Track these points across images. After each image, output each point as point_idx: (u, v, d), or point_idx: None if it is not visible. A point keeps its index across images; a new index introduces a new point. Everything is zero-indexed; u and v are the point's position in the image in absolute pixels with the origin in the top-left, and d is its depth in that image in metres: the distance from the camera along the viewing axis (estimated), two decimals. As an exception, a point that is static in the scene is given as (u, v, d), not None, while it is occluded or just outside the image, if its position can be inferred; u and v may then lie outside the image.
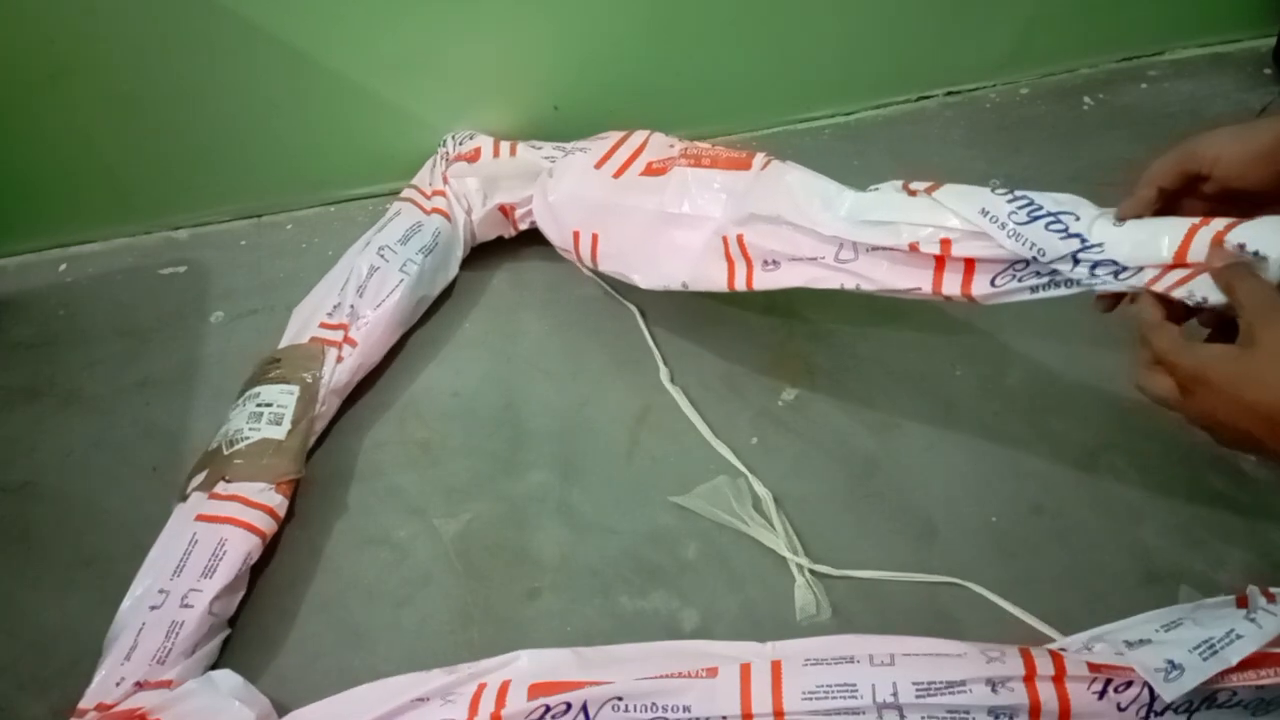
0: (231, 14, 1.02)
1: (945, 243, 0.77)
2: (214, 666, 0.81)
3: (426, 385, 1.02)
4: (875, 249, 0.81)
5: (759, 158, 0.92)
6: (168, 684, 0.77)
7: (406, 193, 1.11)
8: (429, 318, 1.06)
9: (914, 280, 0.80)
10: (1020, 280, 0.76)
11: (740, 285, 0.89)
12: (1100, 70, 1.23)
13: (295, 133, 1.13)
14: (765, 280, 0.88)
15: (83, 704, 0.76)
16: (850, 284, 0.83)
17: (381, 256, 1.02)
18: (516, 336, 1.05)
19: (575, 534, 0.89)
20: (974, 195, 0.77)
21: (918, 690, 0.67)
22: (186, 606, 0.80)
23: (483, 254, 1.12)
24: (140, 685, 0.77)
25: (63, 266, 1.18)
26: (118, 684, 0.77)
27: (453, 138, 1.13)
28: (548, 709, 0.70)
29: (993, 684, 0.67)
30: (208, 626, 0.81)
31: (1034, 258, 0.73)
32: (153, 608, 0.80)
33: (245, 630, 0.85)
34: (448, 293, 1.08)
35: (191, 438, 0.98)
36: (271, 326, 1.03)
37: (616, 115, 1.17)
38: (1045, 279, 0.75)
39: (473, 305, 1.08)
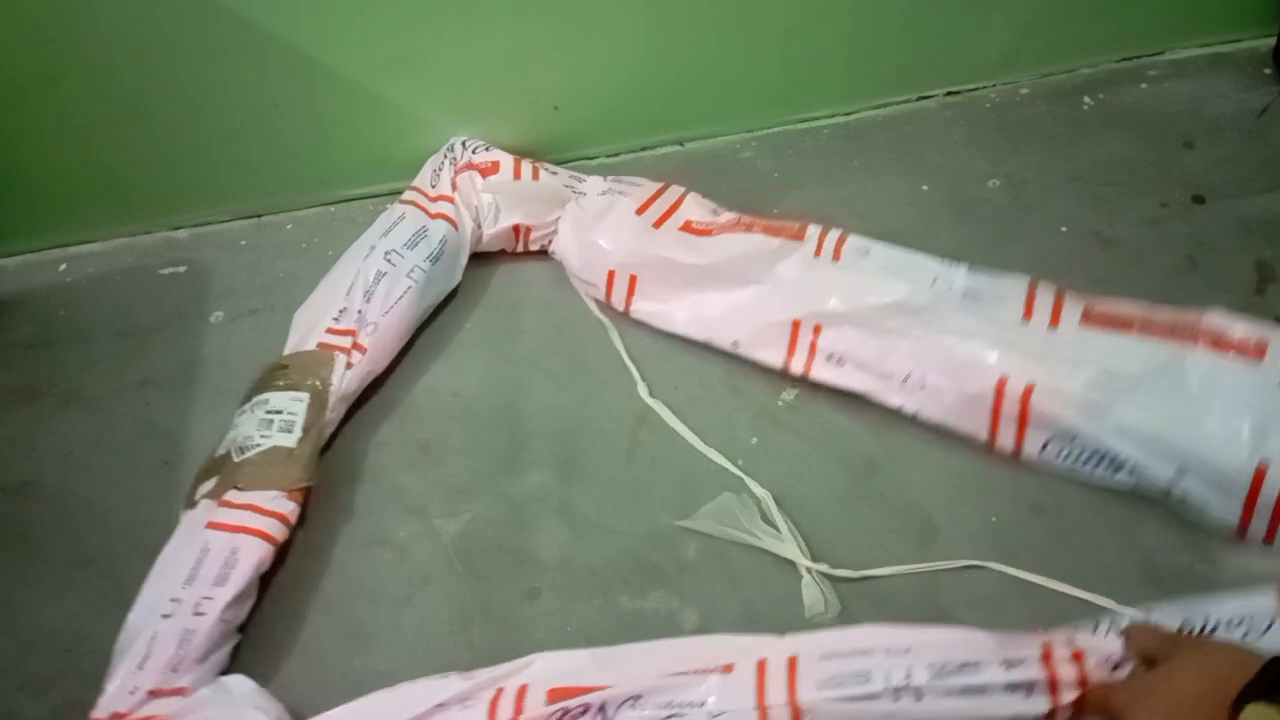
0: (232, 14, 1.01)
1: (1029, 390, 0.83)
2: (225, 672, 0.81)
3: (427, 385, 1.01)
4: (941, 390, 0.86)
5: (813, 228, 0.95)
6: (181, 691, 0.77)
7: (408, 195, 1.11)
8: (429, 318, 1.06)
9: (972, 425, 0.86)
10: (1064, 458, 0.84)
11: (796, 370, 0.93)
12: (1100, 70, 1.23)
13: (296, 133, 1.13)
14: (823, 373, 0.92)
15: (96, 713, 0.76)
16: (910, 408, 0.89)
17: (389, 261, 1.01)
18: (516, 336, 1.05)
19: (575, 534, 0.89)
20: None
21: (932, 673, 0.68)
22: (199, 615, 0.80)
23: (482, 253, 1.12)
24: (154, 693, 0.77)
25: (63, 266, 1.18)
26: (131, 692, 0.76)
27: (463, 143, 1.12)
28: (566, 712, 0.70)
29: (1009, 663, 0.67)
30: (219, 634, 0.81)
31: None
32: (165, 616, 0.79)
33: (251, 633, 0.85)
34: (451, 290, 1.08)
35: (191, 438, 0.98)
36: (272, 326, 1.03)
37: (616, 115, 1.18)
38: (1088, 459, 0.83)
39: (473, 305, 1.08)
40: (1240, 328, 0.80)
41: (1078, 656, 0.67)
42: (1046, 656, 0.67)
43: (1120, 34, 1.21)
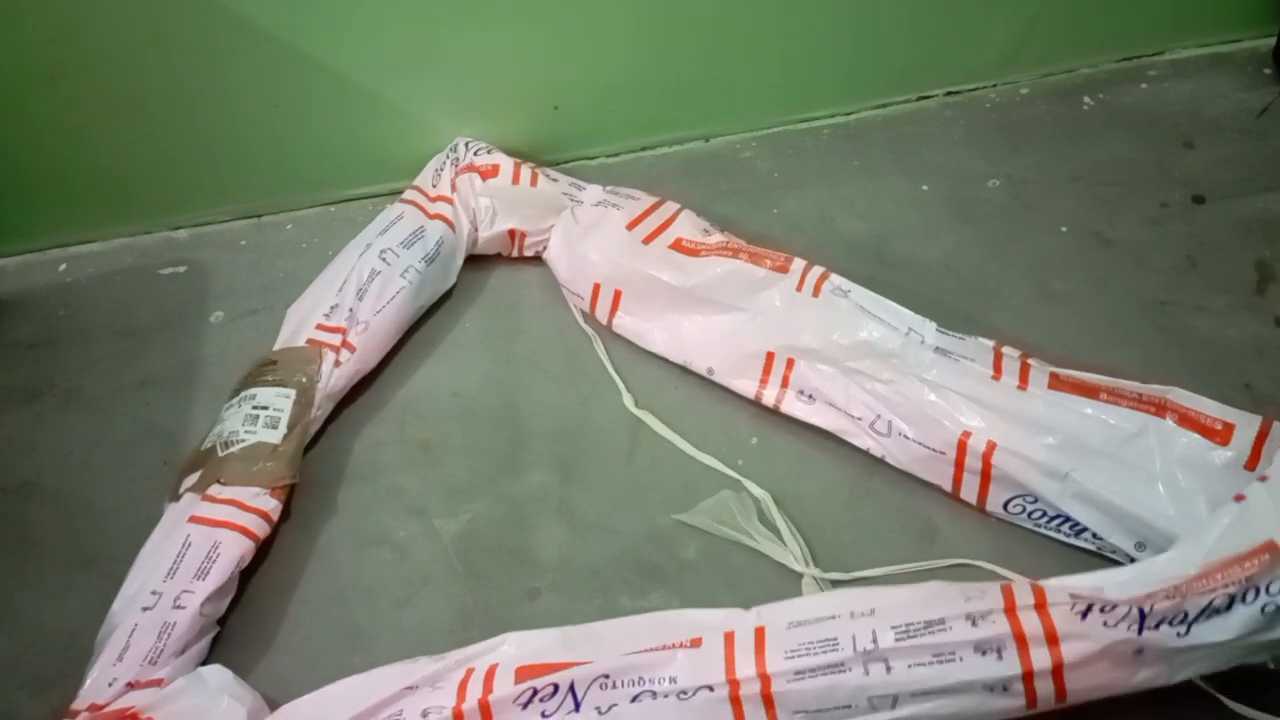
0: (232, 14, 1.02)
1: (991, 445, 0.82)
2: (206, 664, 0.81)
3: (425, 385, 1.01)
4: (907, 439, 0.86)
5: (797, 262, 0.95)
6: (159, 683, 0.78)
7: (408, 194, 1.11)
8: (427, 317, 1.06)
9: (936, 476, 0.87)
10: (1028, 516, 0.83)
11: (768, 402, 0.93)
12: (1100, 70, 1.23)
13: (295, 133, 1.13)
14: (795, 408, 0.92)
15: (75, 704, 0.77)
16: (877, 451, 0.89)
17: (383, 260, 1.02)
18: (515, 337, 1.05)
19: (575, 534, 0.89)
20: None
21: (897, 634, 0.67)
22: (179, 608, 0.80)
23: (478, 255, 1.11)
24: (131, 685, 0.77)
25: (63, 266, 1.18)
26: (110, 684, 0.77)
27: (465, 144, 1.12)
28: (535, 691, 0.70)
29: (972, 619, 0.66)
30: (198, 627, 0.81)
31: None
32: (145, 609, 0.80)
33: (246, 630, 0.85)
34: (445, 292, 1.08)
35: (191, 438, 0.98)
36: (271, 327, 1.03)
37: (616, 115, 1.18)
38: (1051, 520, 0.82)
39: (471, 304, 1.08)
40: (1210, 406, 0.78)
41: (1041, 604, 0.66)
42: (1010, 609, 0.66)
43: (1120, 34, 1.21)
